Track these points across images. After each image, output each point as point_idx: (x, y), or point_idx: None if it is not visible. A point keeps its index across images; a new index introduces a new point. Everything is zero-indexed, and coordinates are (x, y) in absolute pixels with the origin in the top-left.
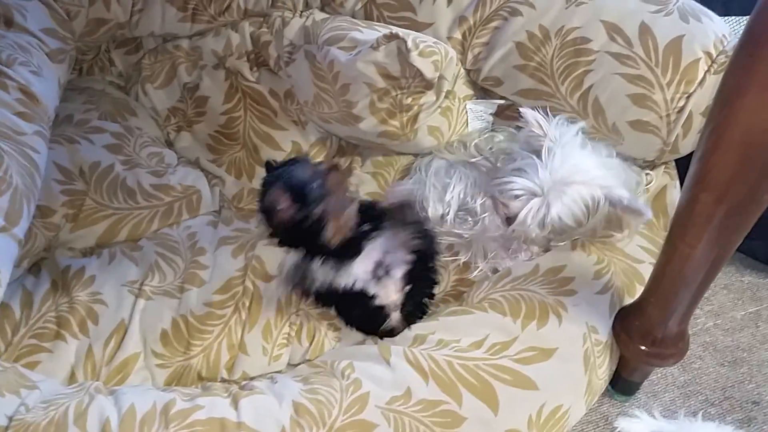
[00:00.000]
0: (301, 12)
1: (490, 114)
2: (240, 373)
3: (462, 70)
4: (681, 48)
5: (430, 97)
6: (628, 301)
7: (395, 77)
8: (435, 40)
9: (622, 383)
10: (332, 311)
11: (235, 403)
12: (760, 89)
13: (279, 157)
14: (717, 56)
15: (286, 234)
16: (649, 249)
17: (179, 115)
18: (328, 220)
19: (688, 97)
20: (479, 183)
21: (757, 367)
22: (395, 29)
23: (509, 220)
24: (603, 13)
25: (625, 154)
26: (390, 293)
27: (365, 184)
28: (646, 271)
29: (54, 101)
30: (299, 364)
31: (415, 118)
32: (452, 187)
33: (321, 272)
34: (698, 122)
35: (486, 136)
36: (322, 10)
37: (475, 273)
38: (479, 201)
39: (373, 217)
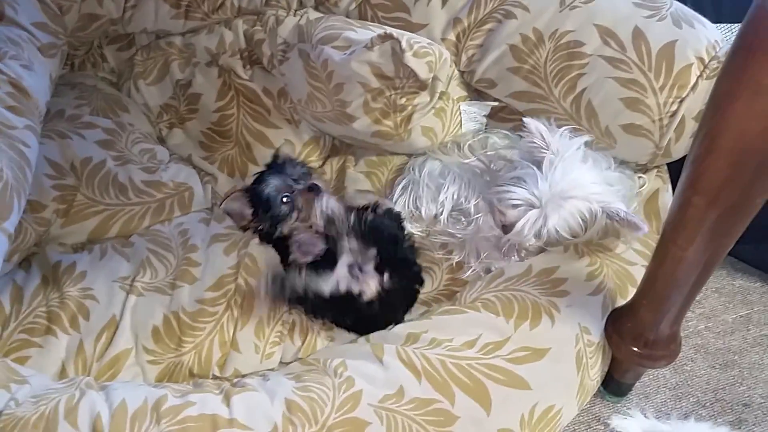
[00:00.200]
0: (295, 11)
1: (484, 116)
2: (232, 370)
3: (456, 72)
4: (674, 53)
5: (423, 97)
6: (621, 302)
7: (389, 77)
8: (429, 41)
9: (614, 384)
10: (327, 320)
11: (227, 400)
12: (751, 94)
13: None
14: (709, 62)
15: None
16: (641, 251)
17: (171, 112)
18: (294, 246)
19: (680, 102)
20: (473, 184)
21: (748, 369)
22: (390, 29)
23: (505, 228)
24: (597, 17)
25: (618, 157)
26: (372, 285)
27: (358, 183)
28: (639, 273)
29: (45, 96)
30: (291, 362)
31: (409, 118)
32: (446, 187)
33: (300, 283)
34: (690, 127)
35: (480, 137)
36: (316, 9)
37: (468, 273)
38: (473, 202)
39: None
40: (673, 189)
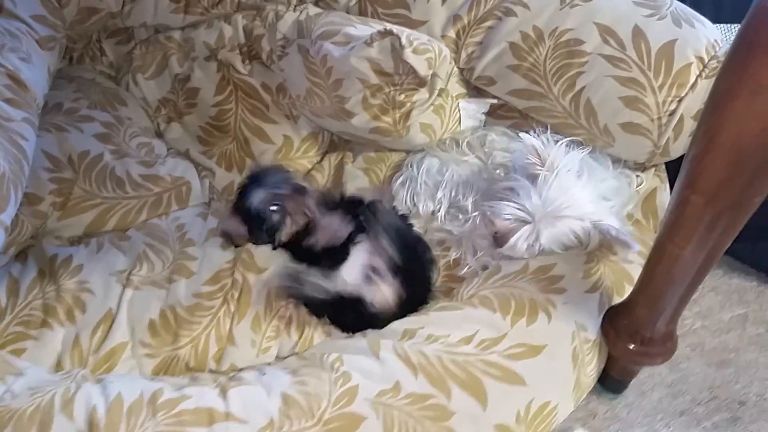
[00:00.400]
0: (295, 6)
1: (483, 113)
2: (228, 364)
3: (455, 69)
4: (673, 52)
5: (423, 94)
6: (617, 300)
7: (388, 74)
8: (429, 37)
9: (611, 381)
10: (325, 319)
11: (224, 394)
12: (751, 93)
13: (270, 150)
14: (709, 61)
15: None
16: (638, 250)
17: (170, 106)
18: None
19: (679, 101)
20: (471, 181)
21: (744, 368)
22: (389, 26)
23: (497, 240)
24: (597, 15)
25: (616, 156)
26: (387, 294)
27: (356, 179)
28: (636, 271)
29: (43, 89)
30: (288, 356)
31: (408, 115)
32: (444, 184)
33: (310, 278)
34: (689, 126)
35: (478, 134)
36: (315, 4)
37: (465, 269)
38: (470, 199)
39: (357, 214)
40: (671, 188)
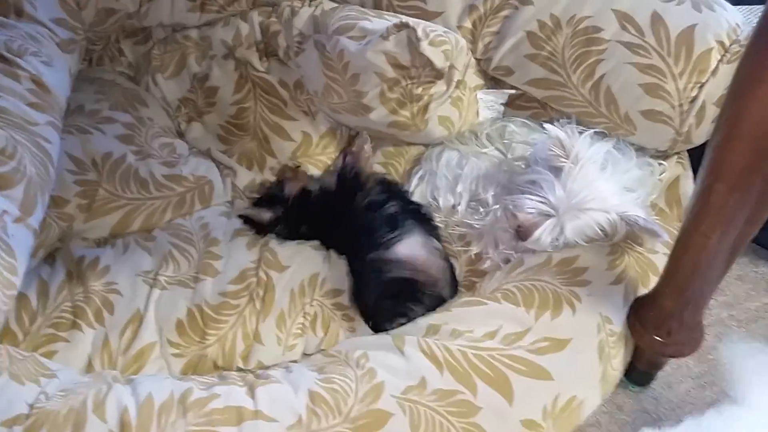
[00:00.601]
0: (310, 1)
1: (501, 104)
2: (255, 362)
3: (472, 60)
4: (693, 37)
5: (440, 86)
6: (643, 291)
7: (405, 67)
8: (445, 29)
9: (637, 374)
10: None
11: (252, 392)
12: None
13: (289, 147)
14: (730, 46)
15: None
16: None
17: (190, 106)
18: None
19: (700, 87)
20: (491, 174)
21: None
22: (405, 18)
23: (521, 234)
24: (614, 2)
25: (638, 144)
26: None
27: None
28: (661, 261)
29: (65, 91)
30: (314, 354)
31: (426, 108)
32: (464, 177)
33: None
34: (711, 112)
35: (497, 126)
36: None
37: (487, 263)
38: (491, 192)
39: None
40: (694, 175)
